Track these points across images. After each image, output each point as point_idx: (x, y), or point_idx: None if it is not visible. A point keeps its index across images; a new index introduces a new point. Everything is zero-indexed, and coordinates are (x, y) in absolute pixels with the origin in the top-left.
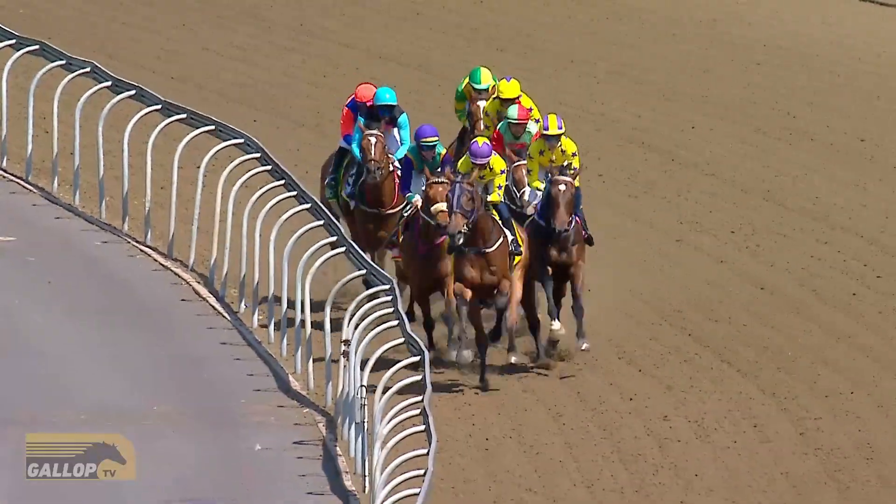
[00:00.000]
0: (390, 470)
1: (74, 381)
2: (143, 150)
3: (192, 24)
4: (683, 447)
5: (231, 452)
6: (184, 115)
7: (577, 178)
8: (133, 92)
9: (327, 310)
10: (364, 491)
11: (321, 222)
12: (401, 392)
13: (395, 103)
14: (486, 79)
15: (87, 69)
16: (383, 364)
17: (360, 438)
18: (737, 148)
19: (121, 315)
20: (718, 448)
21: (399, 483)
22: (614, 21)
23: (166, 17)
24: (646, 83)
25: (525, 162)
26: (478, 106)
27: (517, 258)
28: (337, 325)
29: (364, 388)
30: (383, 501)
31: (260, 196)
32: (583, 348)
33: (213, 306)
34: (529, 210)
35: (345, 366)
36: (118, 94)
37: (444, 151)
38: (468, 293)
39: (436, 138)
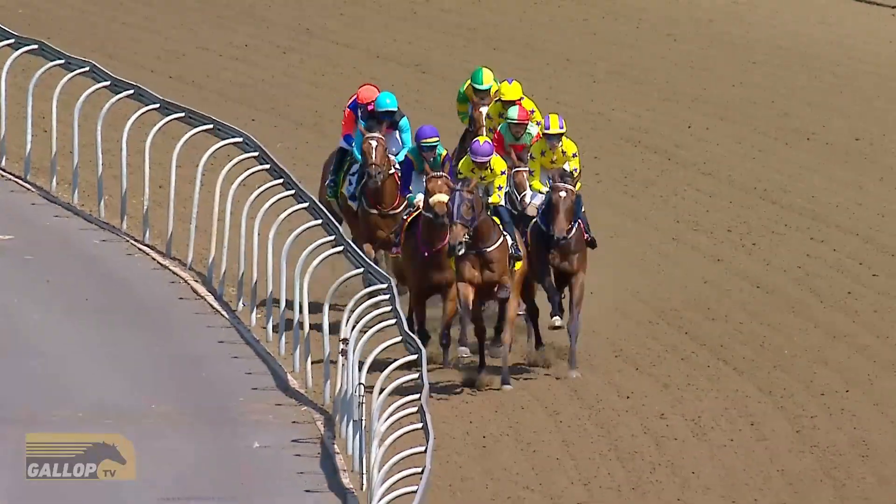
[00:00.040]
0: (388, 467)
1: (73, 380)
2: (142, 149)
3: (192, 23)
4: (680, 445)
5: (230, 451)
6: (182, 114)
7: (579, 183)
8: (132, 91)
9: (325, 308)
10: (362, 488)
11: (319, 221)
12: (398, 390)
13: (395, 109)
14: (487, 79)
15: (86, 69)
16: (381, 363)
17: (357, 436)
18: (734, 148)
19: (119, 314)
20: (715, 446)
21: (397, 481)
22: (613, 21)
23: (166, 17)
24: (644, 83)
25: (525, 168)
26: (480, 112)
27: (517, 263)
28: (335, 324)
29: (362, 387)
30: (381, 499)
31: (258, 195)
32: (573, 378)
33: (211, 305)
34: (531, 210)
35: (343, 364)
36: (117, 94)
37: (444, 152)
38: (471, 295)
39: (436, 139)
